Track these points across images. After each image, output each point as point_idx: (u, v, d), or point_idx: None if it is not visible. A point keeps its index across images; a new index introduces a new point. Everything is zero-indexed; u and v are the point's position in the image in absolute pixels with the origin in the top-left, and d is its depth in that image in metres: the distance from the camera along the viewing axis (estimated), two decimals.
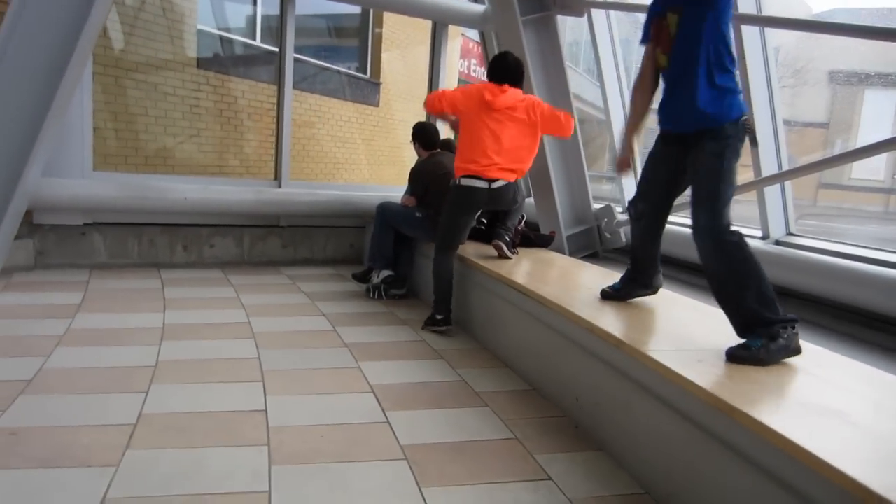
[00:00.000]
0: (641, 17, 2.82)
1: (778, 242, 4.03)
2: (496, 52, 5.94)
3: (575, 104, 4.98)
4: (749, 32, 3.81)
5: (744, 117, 2.42)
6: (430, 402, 2.84)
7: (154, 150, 5.53)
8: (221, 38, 6.44)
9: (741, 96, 2.47)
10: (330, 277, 5.23)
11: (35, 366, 2.87)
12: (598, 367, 2.60)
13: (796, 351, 2.27)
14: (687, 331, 2.75)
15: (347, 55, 8.83)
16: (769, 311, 2.25)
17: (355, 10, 8.14)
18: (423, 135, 4.63)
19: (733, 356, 2.21)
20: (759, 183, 3.91)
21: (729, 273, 2.33)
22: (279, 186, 5.40)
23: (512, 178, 3.85)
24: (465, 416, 2.70)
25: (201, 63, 5.90)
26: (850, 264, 3.47)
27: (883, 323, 3.31)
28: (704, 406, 1.96)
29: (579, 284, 3.74)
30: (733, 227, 2.35)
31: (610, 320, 2.71)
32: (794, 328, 2.25)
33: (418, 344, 3.67)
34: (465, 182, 3.76)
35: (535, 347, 3.18)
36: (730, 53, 2.40)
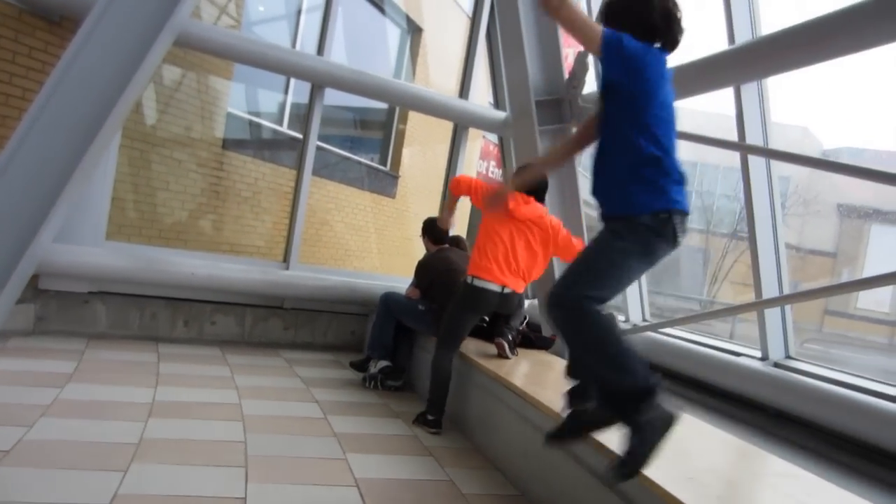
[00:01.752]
0: None
1: (777, 365, 3.98)
2: (513, 156, 6.18)
3: (587, 210, 5.10)
4: (755, 161, 3.92)
5: (666, 213, 2.09)
6: (415, 501, 2.74)
7: (170, 223, 5.65)
8: (250, 122, 6.70)
9: (676, 191, 2.12)
10: (328, 363, 5.18)
11: (15, 436, 2.81)
12: (587, 478, 2.52)
13: (668, 421, 2.03)
14: (680, 446, 2.69)
15: (370, 147, 9.14)
16: (626, 378, 2.03)
17: (382, 105, 8.51)
18: (433, 229, 4.71)
19: (618, 475, 2.02)
20: (759, 305, 3.93)
21: (580, 342, 2.14)
22: (287, 269, 5.46)
23: (521, 288, 3.98)
24: None
25: (227, 144, 6.13)
26: (848, 393, 3.41)
27: (881, 456, 3.21)
28: None
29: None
30: (596, 307, 2.08)
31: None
32: (652, 396, 2.02)
33: (409, 439, 3.59)
34: (479, 283, 3.82)
35: (525, 451, 3.10)
36: (658, 144, 2.10)
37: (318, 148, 6.70)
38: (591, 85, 4.99)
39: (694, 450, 2.67)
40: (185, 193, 5.72)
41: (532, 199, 3.96)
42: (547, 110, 4.87)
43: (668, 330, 4.78)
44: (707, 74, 3.93)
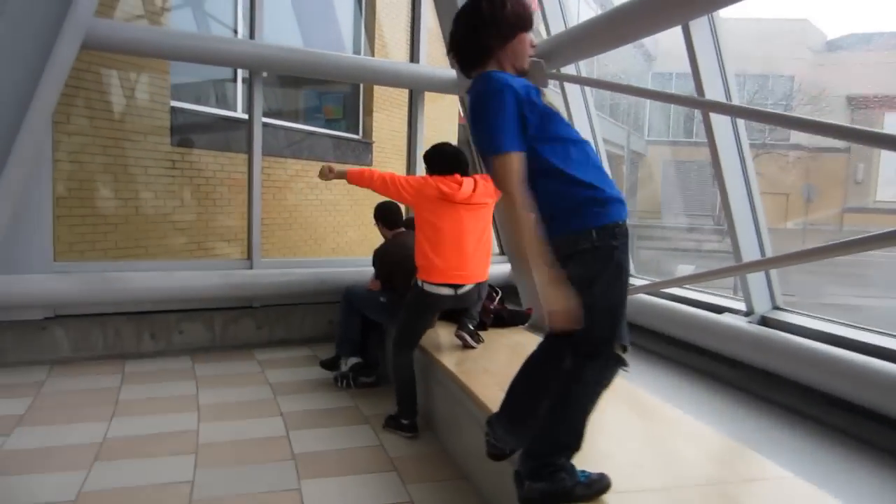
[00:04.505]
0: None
1: (763, 319, 3.69)
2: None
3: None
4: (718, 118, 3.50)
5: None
6: None
7: (125, 233, 5.41)
8: (199, 112, 6.34)
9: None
10: (304, 361, 4.99)
11: None
12: None
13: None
14: (665, 456, 2.45)
15: (338, 121, 8.69)
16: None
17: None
18: (386, 214, 4.43)
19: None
20: (741, 269, 3.63)
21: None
22: (250, 267, 5.21)
23: (480, 278, 3.66)
24: None
25: (177, 140, 5.81)
26: (838, 352, 3.10)
27: (876, 420, 2.95)
28: None
29: None
30: None
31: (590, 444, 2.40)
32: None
33: (374, 451, 3.40)
34: (430, 289, 3.53)
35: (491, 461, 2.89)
36: None
37: (280, 128, 6.37)
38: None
39: (681, 459, 2.44)
40: (138, 199, 5.46)
41: (458, 175, 3.59)
42: None
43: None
44: (648, 13, 3.47)
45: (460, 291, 3.57)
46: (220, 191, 6.15)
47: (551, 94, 5.31)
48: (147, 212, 5.53)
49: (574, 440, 1.99)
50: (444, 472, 3.16)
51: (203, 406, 3.96)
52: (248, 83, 5.19)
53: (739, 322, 3.76)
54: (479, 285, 3.69)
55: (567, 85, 4.62)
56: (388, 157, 8.55)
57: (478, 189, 3.59)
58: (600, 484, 2.02)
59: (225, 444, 3.43)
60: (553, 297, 1.85)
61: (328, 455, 3.32)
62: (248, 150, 5.18)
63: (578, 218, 1.94)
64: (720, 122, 3.46)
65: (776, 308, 3.78)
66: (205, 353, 5.09)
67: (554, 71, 4.19)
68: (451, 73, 5.57)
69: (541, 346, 2.20)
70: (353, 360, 4.37)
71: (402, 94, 8.49)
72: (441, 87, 5.62)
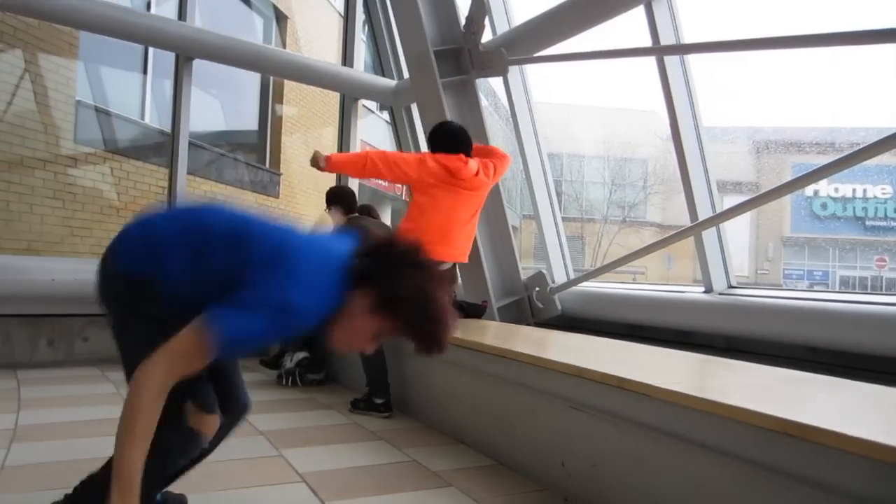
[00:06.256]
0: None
1: (721, 295, 3.88)
2: (405, 128, 5.75)
3: None
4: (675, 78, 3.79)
5: None
6: (380, 486, 2.23)
7: (16, 231, 4.68)
8: (105, 112, 5.78)
9: None
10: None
11: None
12: (587, 419, 2.13)
13: None
14: (661, 364, 2.38)
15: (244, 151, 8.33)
16: None
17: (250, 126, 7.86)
18: (341, 199, 4.19)
19: None
20: (696, 229, 3.81)
21: None
22: None
23: (461, 258, 3.50)
24: (428, 499, 2.12)
25: (80, 138, 5.24)
26: (807, 304, 3.35)
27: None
28: (758, 435, 1.54)
29: (537, 341, 3.32)
30: None
31: (593, 362, 2.27)
32: None
33: (350, 427, 3.05)
34: None
35: (494, 414, 2.67)
36: None
37: (190, 143, 6.01)
38: (489, 30, 4.70)
39: (676, 366, 2.38)
40: (34, 196, 4.79)
41: (463, 154, 3.36)
42: (446, 61, 4.52)
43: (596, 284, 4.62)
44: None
45: (441, 267, 3.37)
46: (124, 200, 5.57)
47: None
48: (42, 211, 4.85)
49: None
50: (436, 440, 2.88)
51: None
52: (176, 76, 4.82)
53: (702, 297, 3.91)
54: (455, 265, 3.55)
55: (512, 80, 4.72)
56: (295, 188, 8.25)
57: (481, 172, 3.42)
58: None
59: None
60: None
61: (301, 431, 2.94)
62: (172, 149, 4.77)
63: None
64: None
65: (731, 287, 3.96)
66: (114, 364, 4.39)
67: (513, 58, 4.31)
68: (389, 82, 5.55)
69: None
70: (299, 356, 3.98)
71: (308, 122, 8.35)
72: (378, 95, 5.55)
